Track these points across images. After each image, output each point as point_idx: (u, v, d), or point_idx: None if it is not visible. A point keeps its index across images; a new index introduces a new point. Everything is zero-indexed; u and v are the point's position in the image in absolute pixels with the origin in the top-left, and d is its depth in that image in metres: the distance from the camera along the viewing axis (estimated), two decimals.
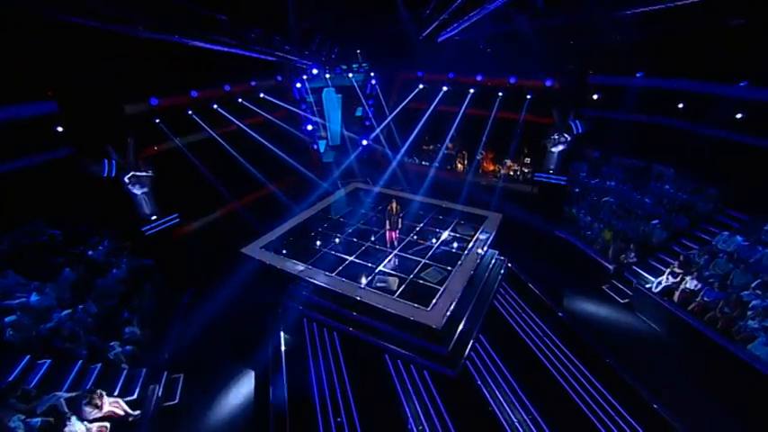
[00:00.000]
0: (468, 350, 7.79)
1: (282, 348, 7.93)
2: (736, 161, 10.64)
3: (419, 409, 6.58)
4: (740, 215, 10.14)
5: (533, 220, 12.85)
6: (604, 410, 6.50)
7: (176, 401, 6.92)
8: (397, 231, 10.86)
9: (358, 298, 8.13)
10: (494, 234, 10.04)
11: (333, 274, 9.16)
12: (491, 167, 16.42)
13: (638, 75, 13.05)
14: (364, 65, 16.81)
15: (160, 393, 6.58)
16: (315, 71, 16.14)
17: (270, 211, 13.59)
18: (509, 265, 10.64)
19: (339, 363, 7.60)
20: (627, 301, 9.53)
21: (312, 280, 8.67)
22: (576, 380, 7.12)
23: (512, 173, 15.79)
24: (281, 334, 8.30)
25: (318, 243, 10.85)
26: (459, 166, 16.99)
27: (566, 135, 13.39)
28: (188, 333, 8.39)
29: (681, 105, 12.43)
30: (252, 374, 7.62)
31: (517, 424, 6.29)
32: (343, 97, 17.48)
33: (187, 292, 9.30)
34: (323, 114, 17.51)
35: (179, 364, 7.56)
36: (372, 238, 10.94)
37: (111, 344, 6.99)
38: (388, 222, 10.56)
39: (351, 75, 16.81)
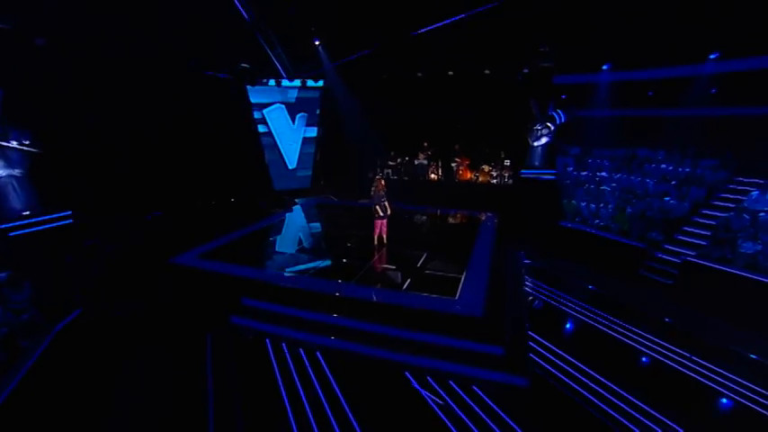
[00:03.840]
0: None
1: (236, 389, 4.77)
2: (728, 132, 10.26)
3: None
4: (753, 180, 9.36)
5: (532, 218, 11.19)
6: None
7: None
8: (386, 221, 8.47)
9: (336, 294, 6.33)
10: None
11: (307, 275, 6.74)
12: (468, 175, 15.01)
13: (604, 67, 12.89)
14: (320, 82, 14.96)
15: None
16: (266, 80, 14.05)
17: (208, 225, 10.42)
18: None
19: (334, 394, 4.58)
20: (673, 282, 7.83)
21: (279, 283, 6.17)
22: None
23: (491, 180, 14.44)
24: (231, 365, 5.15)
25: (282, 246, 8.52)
26: (433, 176, 15.39)
27: (549, 125, 12.57)
28: (57, 380, 4.83)
29: (650, 93, 12.33)
30: None
31: None
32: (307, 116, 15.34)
33: (69, 315, 5.72)
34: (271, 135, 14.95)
35: None
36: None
37: None
38: (377, 207, 8.15)
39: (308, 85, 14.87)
